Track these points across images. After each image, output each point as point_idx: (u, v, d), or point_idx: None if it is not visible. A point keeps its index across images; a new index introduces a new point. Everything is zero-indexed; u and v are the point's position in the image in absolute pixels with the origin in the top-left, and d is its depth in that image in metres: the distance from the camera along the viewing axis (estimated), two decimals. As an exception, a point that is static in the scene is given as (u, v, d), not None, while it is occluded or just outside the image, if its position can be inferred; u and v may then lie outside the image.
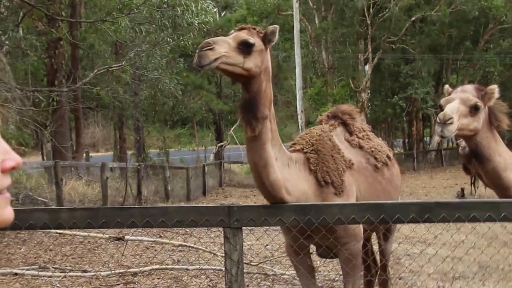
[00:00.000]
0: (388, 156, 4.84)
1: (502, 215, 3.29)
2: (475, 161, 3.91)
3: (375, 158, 4.65)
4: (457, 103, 3.78)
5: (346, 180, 4.14)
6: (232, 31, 3.39)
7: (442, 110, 3.79)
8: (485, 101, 3.86)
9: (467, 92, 3.90)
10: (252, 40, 3.25)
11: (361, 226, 4.17)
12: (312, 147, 4.14)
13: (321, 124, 4.73)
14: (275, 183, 3.47)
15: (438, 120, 3.69)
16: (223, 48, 3.10)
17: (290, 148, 4.13)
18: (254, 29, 3.38)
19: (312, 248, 4.37)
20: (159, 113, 26.83)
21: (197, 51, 3.04)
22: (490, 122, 3.91)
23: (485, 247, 7.37)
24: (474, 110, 3.79)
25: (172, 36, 16.21)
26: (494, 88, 3.89)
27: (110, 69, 15.29)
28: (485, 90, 3.90)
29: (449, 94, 3.99)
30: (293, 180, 3.72)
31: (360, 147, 4.64)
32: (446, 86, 4.20)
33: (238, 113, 3.29)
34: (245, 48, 3.19)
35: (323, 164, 4.07)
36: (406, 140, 35.91)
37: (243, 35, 3.27)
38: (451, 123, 3.65)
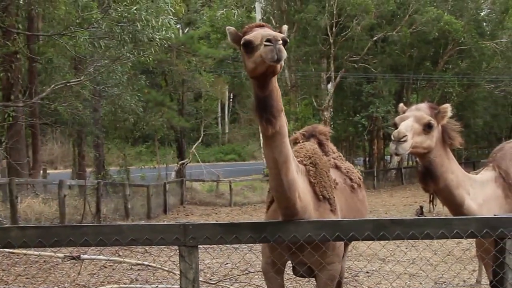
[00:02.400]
0: (359, 177, 4.97)
1: (455, 231, 3.35)
2: (428, 178, 3.97)
3: (351, 179, 4.77)
4: (411, 121, 3.86)
5: (336, 199, 4.22)
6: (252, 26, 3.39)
7: (396, 128, 3.86)
8: (438, 119, 3.96)
9: (421, 110, 3.98)
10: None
11: (342, 245, 4.24)
12: (310, 160, 4.22)
13: (296, 142, 4.76)
14: (293, 182, 3.47)
15: (393, 138, 3.76)
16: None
17: None
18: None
19: (287, 269, 4.36)
20: (120, 129, 26.54)
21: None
22: (444, 140, 3.99)
23: (437, 264, 7.49)
24: (427, 128, 3.88)
25: (132, 52, 16.02)
26: (447, 107, 3.99)
27: (68, 84, 15.04)
28: (438, 108, 4.00)
29: (404, 112, 4.07)
30: (302, 188, 3.71)
31: (337, 168, 4.75)
32: (401, 104, 4.28)
33: (255, 113, 3.25)
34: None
35: (321, 178, 4.16)
36: (367, 159, 36.32)
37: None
38: (405, 141, 3.73)
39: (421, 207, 18.14)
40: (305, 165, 4.16)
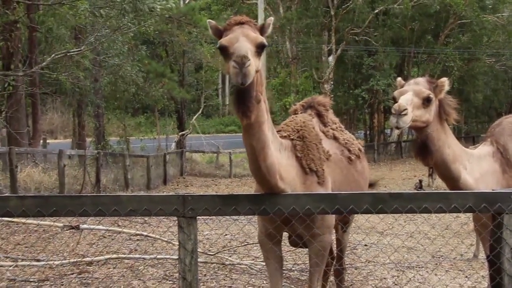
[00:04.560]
0: (359, 149, 4.94)
1: (452, 206, 3.37)
2: (425, 152, 3.96)
3: (349, 151, 4.74)
4: (410, 95, 3.87)
5: (326, 170, 4.22)
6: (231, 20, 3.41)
7: (396, 102, 3.86)
8: (436, 93, 3.97)
9: (420, 84, 3.99)
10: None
11: (333, 217, 4.26)
12: (297, 134, 4.22)
13: (296, 113, 4.78)
14: (272, 166, 3.49)
15: (393, 111, 3.77)
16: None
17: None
18: (255, 24, 3.41)
19: (284, 239, 4.41)
20: (120, 100, 26.47)
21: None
22: (440, 115, 4.01)
23: (435, 238, 7.55)
24: (426, 102, 3.89)
25: (133, 22, 15.93)
26: (445, 81, 4.00)
27: (68, 54, 14.95)
28: (436, 82, 4.01)
29: (402, 87, 4.07)
30: (285, 166, 3.76)
31: (335, 139, 4.72)
32: (399, 78, 4.28)
33: (233, 103, 3.27)
34: None
35: (309, 151, 4.15)
36: (368, 132, 36.30)
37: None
38: (405, 114, 3.74)
39: (420, 181, 18.20)
40: (292, 139, 4.17)
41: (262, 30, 3.38)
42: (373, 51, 31.99)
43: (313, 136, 4.29)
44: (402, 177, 23.55)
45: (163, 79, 27.10)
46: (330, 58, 31.49)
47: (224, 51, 3.19)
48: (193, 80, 34.29)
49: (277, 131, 4.10)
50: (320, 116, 4.78)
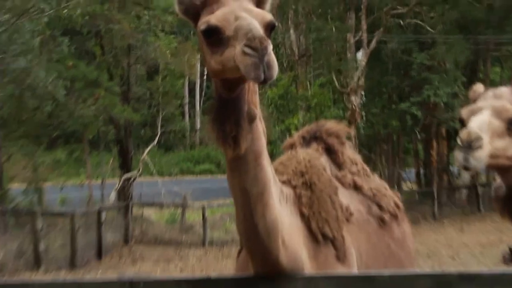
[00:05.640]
0: (396, 204, 5.10)
1: None
2: None
3: (380, 207, 4.91)
4: (487, 116, 3.85)
5: (347, 239, 4.31)
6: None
7: (464, 126, 3.89)
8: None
9: (502, 98, 3.99)
10: None
11: None
12: (302, 179, 4.36)
13: (293, 148, 4.98)
14: (274, 225, 3.58)
15: (460, 142, 3.76)
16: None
17: None
18: None
19: None
20: (28, 124, 26.37)
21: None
22: None
23: None
24: (513, 126, 3.85)
25: (49, 1, 15.99)
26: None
27: None
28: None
29: (475, 101, 4.10)
30: (287, 227, 3.80)
31: (357, 188, 4.90)
32: (475, 86, 4.29)
33: (211, 123, 3.42)
34: None
35: (321, 207, 4.26)
36: (422, 170, 36.31)
37: None
38: (479, 147, 3.71)
39: (511, 250, 18.04)
40: (294, 187, 4.29)
41: (259, 3, 3.58)
42: (427, 43, 32.20)
43: (325, 184, 4.43)
44: (480, 242, 23.36)
45: (97, 91, 27.10)
46: (360, 55, 31.92)
47: (215, 36, 3.33)
48: (145, 91, 34.21)
49: None
50: (331, 152, 5.00)
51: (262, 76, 3.12)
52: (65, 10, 17.13)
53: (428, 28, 31.94)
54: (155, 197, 29.60)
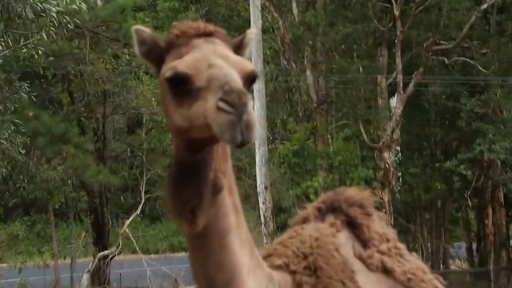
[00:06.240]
0: None
1: None
2: None
3: None
4: None
5: None
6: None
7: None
8: None
9: None
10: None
11: None
12: (305, 262, 4.37)
13: (305, 223, 4.97)
14: None
15: None
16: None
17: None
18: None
19: None
20: (-21, 191, 26.31)
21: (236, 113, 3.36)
22: None
23: None
24: None
25: (4, 38, 16.15)
26: None
27: None
28: None
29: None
30: None
31: (386, 272, 4.85)
32: None
33: (167, 190, 3.58)
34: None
35: None
36: (474, 245, 35.99)
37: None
38: None
39: None
40: (293, 272, 4.34)
41: (238, 48, 3.78)
42: (480, 85, 32.03)
43: (336, 268, 4.41)
44: None
45: (65, 148, 26.92)
46: (394, 101, 31.84)
47: (182, 85, 3.45)
48: (125, 148, 34.17)
49: (266, 256, 4.42)
50: (354, 226, 4.93)
51: (239, 138, 3.22)
52: (24, 50, 16.88)
53: (480, 68, 31.34)
54: (138, 281, 29.66)
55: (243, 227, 3.75)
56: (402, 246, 5.12)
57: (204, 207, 3.42)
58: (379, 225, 5.07)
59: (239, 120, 3.14)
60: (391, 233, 5.12)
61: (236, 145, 3.23)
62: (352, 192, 5.10)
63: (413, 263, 5.04)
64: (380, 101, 31.24)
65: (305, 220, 5.00)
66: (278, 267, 4.28)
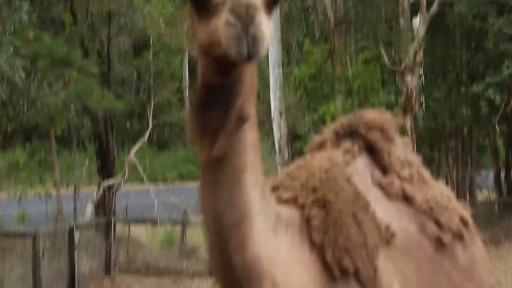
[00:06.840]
0: (462, 219, 5.09)
1: None
2: None
3: (438, 224, 4.90)
4: None
5: (381, 270, 4.35)
6: None
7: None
8: None
9: None
10: None
11: None
12: (314, 196, 4.41)
13: (322, 149, 5.08)
14: (256, 265, 3.77)
15: None
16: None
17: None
18: None
19: None
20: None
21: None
22: None
23: None
24: None
25: None
26: None
27: None
28: None
29: None
30: (284, 263, 4.00)
31: (406, 200, 4.90)
32: None
33: (191, 113, 3.69)
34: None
35: (338, 232, 4.30)
36: (503, 174, 36.16)
37: None
38: None
39: None
40: (302, 207, 4.35)
41: None
42: (508, 4, 31.63)
43: (346, 200, 4.46)
44: None
45: (68, 72, 26.46)
46: (417, 21, 31.65)
47: (201, 3, 3.54)
48: (131, 72, 33.72)
49: (273, 188, 4.42)
50: (374, 152, 4.99)
51: (245, 51, 3.29)
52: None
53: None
54: (145, 212, 29.81)
55: (258, 167, 3.79)
56: (426, 173, 5.21)
57: (227, 131, 3.48)
58: (401, 150, 5.13)
59: (245, 33, 3.26)
60: (415, 158, 5.20)
61: (243, 59, 3.34)
62: (372, 114, 5.19)
63: (437, 190, 5.13)
64: (402, 22, 30.88)
65: (321, 146, 5.10)
66: (285, 201, 4.33)
